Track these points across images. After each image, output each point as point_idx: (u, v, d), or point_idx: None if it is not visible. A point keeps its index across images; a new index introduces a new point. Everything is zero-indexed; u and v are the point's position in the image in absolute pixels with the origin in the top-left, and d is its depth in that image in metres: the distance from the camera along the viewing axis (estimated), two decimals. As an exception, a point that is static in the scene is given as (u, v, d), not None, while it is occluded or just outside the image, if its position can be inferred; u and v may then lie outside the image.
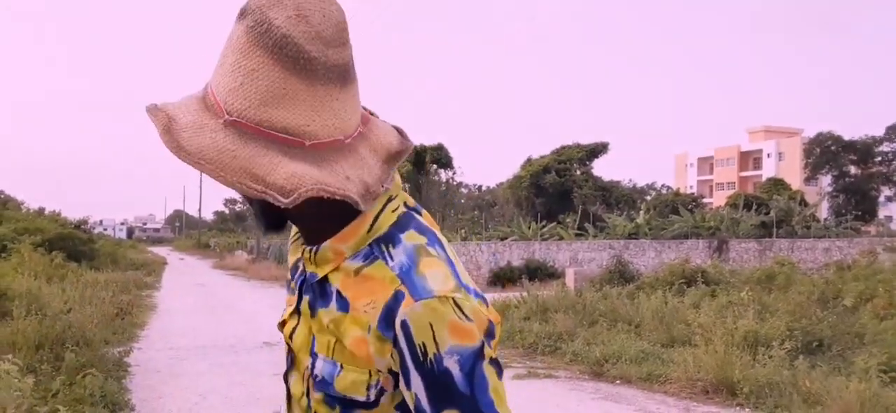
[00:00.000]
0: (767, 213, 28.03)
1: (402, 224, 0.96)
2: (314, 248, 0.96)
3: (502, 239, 26.81)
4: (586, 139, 41.60)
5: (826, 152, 46.89)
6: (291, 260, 1.11)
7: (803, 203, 31.93)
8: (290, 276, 1.10)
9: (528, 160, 41.08)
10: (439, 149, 40.68)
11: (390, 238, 0.94)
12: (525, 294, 12.48)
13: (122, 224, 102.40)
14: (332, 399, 0.95)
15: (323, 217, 0.95)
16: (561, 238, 28.22)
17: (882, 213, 50.43)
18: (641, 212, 30.87)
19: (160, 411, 6.22)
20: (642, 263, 21.11)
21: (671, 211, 31.96)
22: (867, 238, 22.83)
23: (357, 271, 0.93)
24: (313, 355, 0.97)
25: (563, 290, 13.30)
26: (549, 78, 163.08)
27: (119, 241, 47.67)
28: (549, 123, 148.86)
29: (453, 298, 0.87)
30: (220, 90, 0.89)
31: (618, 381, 7.55)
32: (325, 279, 0.96)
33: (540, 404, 6.63)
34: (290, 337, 1.04)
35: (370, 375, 0.92)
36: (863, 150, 46.41)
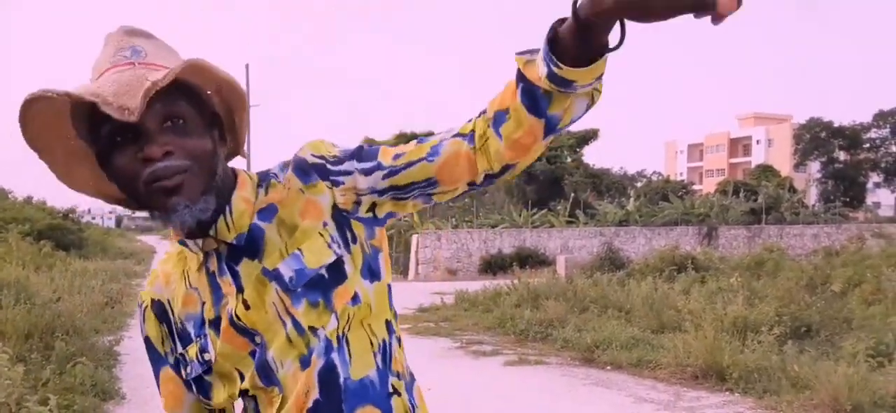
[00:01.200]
0: (756, 200, 28.18)
1: (262, 172, 1.15)
2: (227, 210, 1.07)
3: (493, 226, 26.83)
4: (576, 126, 41.58)
5: (815, 139, 47.13)
6: (182, 306, 1.15)
7: (792, 189, 32.12)
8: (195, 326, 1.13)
9: (519, 147, 41.04)
10: (429, 135, 40.54)
11: (265, 175, 1.14)
12: (516, 281, 12.50)
13: (111, 213, 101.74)
14: (311, 292, 1.07)
15: (227, 184, 1.10)
16: (552, 225, 28.27)
17: (870, 199, 50.82)
18: (631, 199, 30.96)
19: (151, 400, 6.21)
20: (633, 250, 21.20)
21: (661, 198, 32.08)
22: (855, 224, 22.99)
23: (266, 193, 1.12)
24: (273, 276, 1.07)
25: (555, 277, 13.34)
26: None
27: (108, 230, 47.48)
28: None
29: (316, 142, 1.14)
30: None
31: (608, 367, 7.59)
32: (250, 230, 1.09)
33: (531, 391, 6.66)
34: (239, 324, 1.08)
35: (321, 235, 1.08)
36: (851, 137, 46.68)
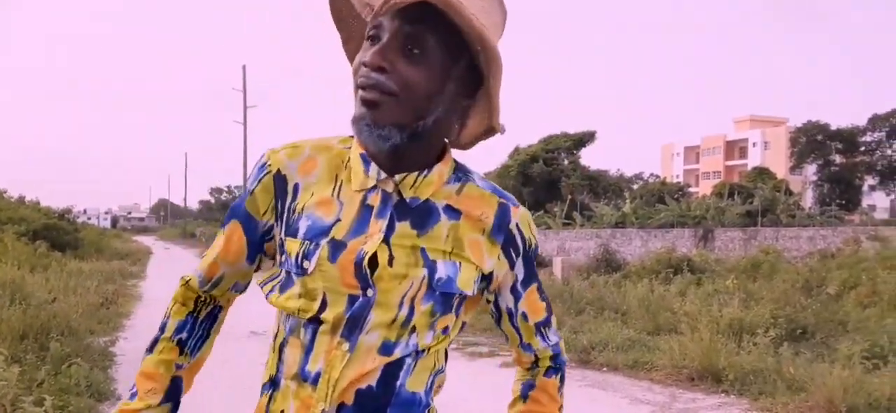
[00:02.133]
0: (752, 202, 28.21)
1: (459, 162, 1.18)
2: (423, 173, 1.09)
3: (490, 228, 26.80)
4: (574, 128, 41.68)
5: (812, 141, 47.19)
6: (314, 205, 1.10)
7: (788, 192, 32.16)
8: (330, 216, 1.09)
9: (516, 149, 41.11)
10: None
11: (464, 168, 1.18)
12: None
13: (107, 213, 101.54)
14: (440, 304, 1.10)
15: (437, 144, 1.11)
16: (549, 227, 28.28)
17: (866, 201, 50.91)
18: (628, 201, 30.98)
19: (146, 401, 6.19)
20: (629, 252, 21.21)
21: (657, 200, 32.10)
22: (851, 227, 23.05)
23: (458, 191, 1.13)
24: (430, 264, 1.08)
25: (551, 279, 13.36)
26: (536, 66, 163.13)
27: (103, 231, 47.30)
28: (537, 112, 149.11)
29: None
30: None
31: (604, 369, 7.60)
32: (426, 202, 1.10)
33: (527, 392, 6.66)
34: (364, 269, 1.06)
35: (476, 270, 1.13)
36: (848, 140, 46.76)
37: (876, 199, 54.76)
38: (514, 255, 1.17)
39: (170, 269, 23.85)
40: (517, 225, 1.17)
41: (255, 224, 1.17)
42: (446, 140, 1.13)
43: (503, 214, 1.15)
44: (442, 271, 1.08)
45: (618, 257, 18.02)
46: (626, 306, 10.19)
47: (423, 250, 1.08)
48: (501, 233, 1.15)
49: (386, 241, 1.06)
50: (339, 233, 1.07)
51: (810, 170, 49.72)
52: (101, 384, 6.15)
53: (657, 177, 58.09)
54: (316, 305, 1.07)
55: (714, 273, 13.02)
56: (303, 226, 1.09)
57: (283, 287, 1.11)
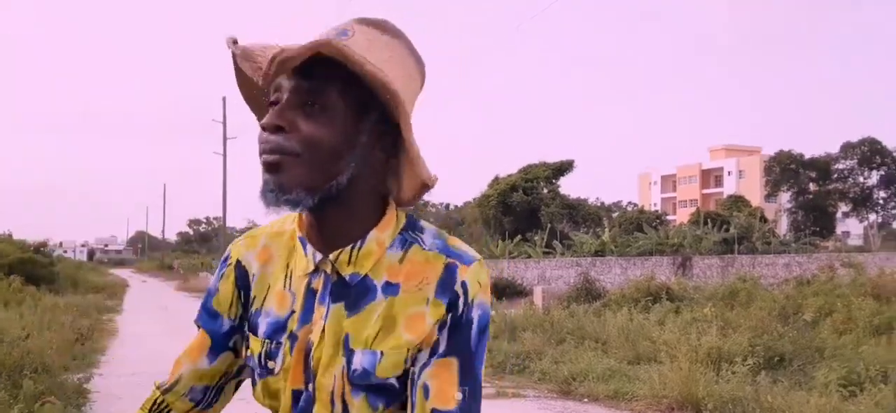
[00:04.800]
0: (728, 230, 28.55)
1: (411, 218, 1.07)
2: (358, 244, 1.00)
3: (470, 258, 26.81)
4: (553, 157, 42.00)
5: (786, 170, 47.99)
6: (272, 301, 1.07)
7: (763, 219, 32.60)
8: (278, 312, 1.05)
9: (496, 179, 41.31)
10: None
11: (413, 226, 1.05)
12: (493, 313, 12.50)
13: (83, 246, 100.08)
14: (374, 395, 0.99)
15: (368, 208, 1.02)
16: (529, 256, 28.41)
17: (840, 228, 51.72)
18: (606, 229, 31.21)
19: (122, 439, 6.09)
20: (609, 280, 21.31)
21: (636, 228, 32.36)
22: (826, 253, 23.39)
23: (401, 259, 1.02)
24: (349, 353, 0.99)
25: (532, 308, 13.37)
26: (515, 96, 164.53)
27: (79, 264, 46.63)
28: (516, 142, 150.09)
29: (483, 262, 1.04)
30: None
31: (585, 400, 7.60)
32: (365, 278, 1.01)
33: (508, 424, 6.64)
34: (310, 361, 1.01)
35: (408, 352, 0.99)
36: (821, 168, 47.60)
37: (849, 226, 55.65)
38: (447, 314, 1.00)
39: (147, 303, 23.55)
40: (464, 283, 1.00)
41: (220, 321, 1.12)
42: (391, 199, 1.05)
43: (448, 275, 1.00)
44: (358, 362, 0.98)
45: (598, 286, 18.08)
46: (606, 335, 10.21)
47: (346, 337, 1.00)
48: (446, 294, 1.00)
49: (323, 329, 1.01)
50: (293, 324, 1.03)
51: (785, 197, 50.45)
52: (76, 423, 6.04)
53: (635, 205, 58.68)
54: (279, 405, 1.04)
55: (692, 301, 13.10)
56: (262, 323, 1.06)
57: (253, 383, 1.08)
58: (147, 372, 9.32)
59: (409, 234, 1.04)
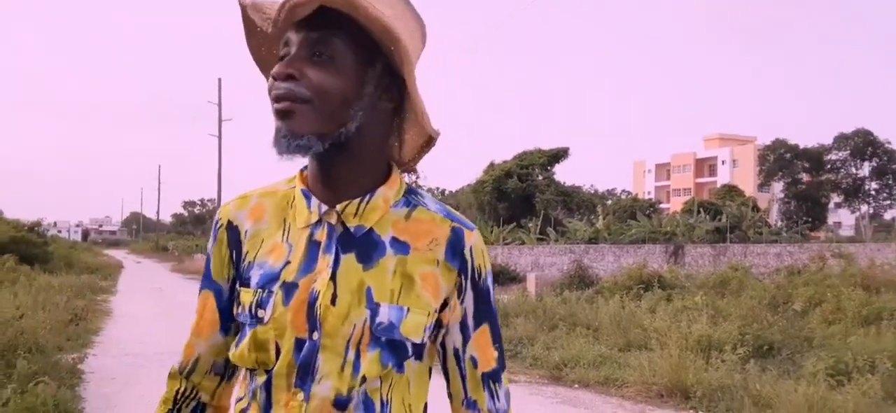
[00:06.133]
0: (721, 219, 28.65)
1: (412, 187, 1.12)
2: (366, 198, 1.04)
3: (464, 243, 26.81)
4: (548, 144, 41.99)
5: (779, 160, 48.11)
6: (265, 252, 1.07)
7: (755, 209, 32.70)
8: (279, 255, 1.05)
9: (491, 165, 41.30)
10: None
11: (415, 191, 1.11)
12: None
13: (78, 226, 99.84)
14: (388, 351, 1.01)
15: (376, 163, 1.06)
16: (523, 243, 28.46)
17: (831, 219, 51.96)
18: (600, 217, 31.27)
19: (116, 419, 6.12)
20: (602, 268, 21.40)
21: (629, 216, 32.43)
22: (817, 243, 23.51)
23: (407, 217, 1.06)
24: (373, 305, 1.00)
25: (525, 294, 13.43)
26: (511, 83, 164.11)
27: (74, 244, 46.49)
28: (512, 128, 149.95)
29: None
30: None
31: (576, 386, 7.66)
32: (369, 231, 1.04)
33: (500, 409, 6.69)
34: (316, 310, 1.00)
35: (428, 316, 1.04)
36: (814, 158, 47.74)
37: (841, 217, 55.90)
38: (464, 283, 1.07)
39: (141, 284, 23.54)
40: (471, 250, 1.07)
41: (221, 289, 1.12)
42: (393, 163, 1.09)
43: (457, 239, 1.06)
44: (384, 316, 1.00)
45: (591, 273, 18.17)
46: (598, 322, 10.28)
47: (368, 290, 1.01)
48: (456, 258, 1.05)
49: (333, 277, 1.01)
50: (289, 275, 1.02)
51: (777, 187, 50.61)
52: (69, 403, 6.05)
53: (629, 193, 58.74)
54: (271, 357, 1.01)
55: (684, 289, 13.19)
56: (255, 275, 1.05)
57: (239, 341, 1.06)
58: (141, 353, 9.36)
59: (412, 197, 1.09)
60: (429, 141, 1.11)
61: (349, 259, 1.02)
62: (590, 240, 27.36)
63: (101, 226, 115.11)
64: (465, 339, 1.09)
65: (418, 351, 1.06)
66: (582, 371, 7.90)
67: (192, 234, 67.99)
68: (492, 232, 30.18)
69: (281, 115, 0.98)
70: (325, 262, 1.02)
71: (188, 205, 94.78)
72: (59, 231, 73.08)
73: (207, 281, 1.14)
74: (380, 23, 0.95)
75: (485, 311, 1.10)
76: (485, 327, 1.11)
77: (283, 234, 1.06)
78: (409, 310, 1.02)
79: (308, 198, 1.05)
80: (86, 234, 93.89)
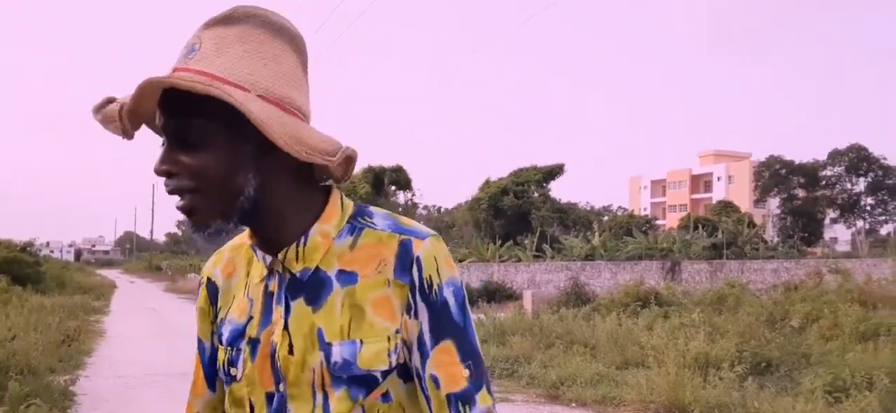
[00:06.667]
0: (717, 235, 28.71)
1: (360, 206, 1.07)
2: (302, 241, 1.00)
3: (461, 261, 26.85)
4: (543, 161, 42.09)
5: (774, 176, 48.31)
6: (232, 309, 1.08)
7: (751, 225, 32.77)
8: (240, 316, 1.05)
9: (487, 182, 41.37)
10: (398, 170, 40.71)
11: (362, 213, 1.05)
12: (483, 316, 12.51)
13: (70, 246, 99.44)
14: (355, 387, 0.98)
15: (299, 204, 1.01)
16: (519, 260, 28.44)
17: (827, 234, 52.09)
18: (596, 234, 31.30)
19: (108, 442, 6.04)
20: (598, 285, 21.37)
21: (626, 233, 32.48)
22: (814, 259, 23.54)
23: (352, 246, 1.02)
24: (326, 347, 0.98)
25: (521, 312, 13.38)
26: (506, 100, 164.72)
27: (66, 264, 46.30)
28: (507, 145, 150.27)
29: (440, 237, 1.03)
30: (235, 73, 0.94)
31: (573, 404, 7.61)
32: (316, 271, 1.01)
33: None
34: (277, 362, 1.00)
35: (389, 341, 0.99)
36: (809, 174, 47.96)
37: (837, 232, 56.03)
38: (413, 298, 0.99)
39: (134, 304, 23.40)
40: (418, 260, 0.99)
41: (205, 348, 1.16)
42: (334, 188, 1.06)
43: (404, 252, 0.99)
44: (337, 354, 0.98)
45: (587, 290, 18.13)
46: (595, 340, 10.24)
47: (319, 331, 0.99)
48: (405, 273, 0.99)
49: (285, 326, 1.01)
50: (252, 330, 1.03)
51: (773, 203, 50.79)
52: (61, 425, 5.99)
53: (625, 209, 58.82)
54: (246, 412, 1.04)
55: (681, 306, 13.15)
56: (226, 331, 1.07)
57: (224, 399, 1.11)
58: (134, 374, 9.28)
59: (357, 221, 1.03)
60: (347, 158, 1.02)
61: (299, 305, 1.01)
62: (586, 256, 27.37)
63: (93, 245, 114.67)
64: (423, 358, 0.99)
65: (387, 374, 1.00)
66: (579, 389, 7.85)
67: (185, 253, 67.72)
68: (488, 249, 30.15)
69: (183, 212, 0.97)
70: (278, 313, 1.02)
71: (182, 223, 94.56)
72: (52, 251, 72.76)
73: (198, 341, 1.18)
74: (222, 100, 0.90)
75: (446, 325, 0.99)
76: (448, 344, 0.99)
77: (245, 290, 1.08)
78: (362, 342, 0.98)
79: (256, 251, 1.05)
80: (78, 254, 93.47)
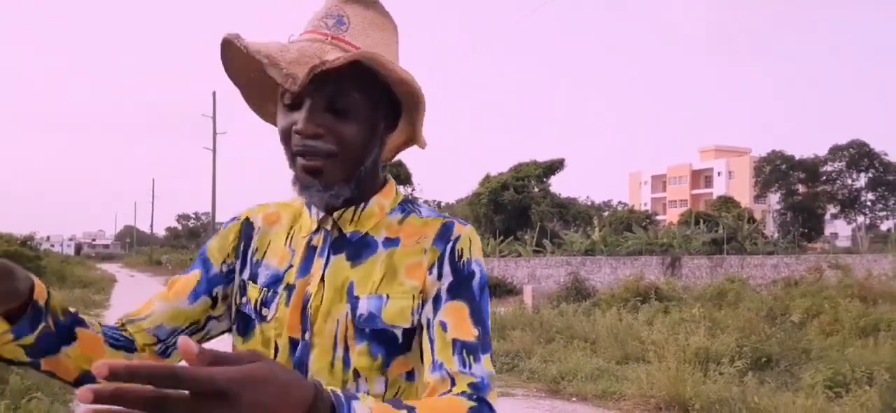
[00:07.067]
0: (717, 230, 28.70)
1: (408, 197, 1.18)
2: (362, 206, 1.10)
3: (461, 256, 26.79)
4: (543, 156, 42.04)
5: (775, 171, 48.27)
6: (271, 254, 1.13)
7: (751, 220, 32.77)
8: (283, 261, 1.11)
9: (487, 177, 41.33)
10: (398, 165, 40.68)
11: (412, 201, 1.17)
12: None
13: (70, 240, 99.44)
14: (376, 343, 1.03)
15: (375, 179, 1.13)
16: (519, 254, 28.43)
17: (828, 230, 52.11)
18: (596, 229, 31.29)
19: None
20: (598, 280, 21.36)
21: (626, 228, 32.47)
22: (814, 255, 23.55)
23: (400, 222, 1.12)
24: (353, 300, 1.05)
25: (521, 307, 13.38)
26: (507, 95, 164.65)
27: (66, 258, 46.24)
28: (507, 140, 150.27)
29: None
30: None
31: (574, 399, 7.62)
32: (365, 235, 1.10)
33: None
34: (308, 310, 1.05)
35: (413, 299, 1.05)
36: (810, 169, 47.92)
37: (837, 228, 56.04)
38: (443, 259, 1.06)
39: (135, 298, 23.37)
40: (458, 237, 1.08)
41: (211, 267, 1.16)
42: (388, 176, 1.16)
43: (445, 230, 1.09)
44: (364, 307, 1.03)
45: (587, 285, 18.12)
46: (595, 335, 10.24)
47: (350, 285, 1.05)
48: (441, 242, 1.07)
49: (322, 278, 1.07)
50: (291, 277, 1.09)
51: (774, 198, 50.76)
52: (62, 419, 6.00)
53: (625, 205, 58.83)
54: (271, 355, 1.05)
55: (681, 301, 13.15)
56: (262, 274, 1.11)
57: (245, 332, 1.11)
58: (135, 368, 9.27)
59: (408, 206, 1.15)
60: (407, 141, 1.18)
61: (339, 259, 1.08)
62: (586, 251, 27.36)
63: (94, 239, 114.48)
64: (436, 309, 1.03)
65: (409, 337, 1.05)
66: (579, 384, 7.85)
67: (186, 248, 67.72)
68: (488, 244, 30.14)
69: (311, 171, 1.04)
70: (318, 265, 1.08)
71: (182, 218, 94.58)
72: (52, 245, 72.76)
73: (200, 260, 1.17)
74: (405, 84, 1.05)
75: (465, 291, 1.04)
76: (462, 304, 1.03)
77: (287, 241, 1.14)
78: (389, 297, 1.04)
79: (310, 207, 1.12)
80: (79, 248, 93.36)
